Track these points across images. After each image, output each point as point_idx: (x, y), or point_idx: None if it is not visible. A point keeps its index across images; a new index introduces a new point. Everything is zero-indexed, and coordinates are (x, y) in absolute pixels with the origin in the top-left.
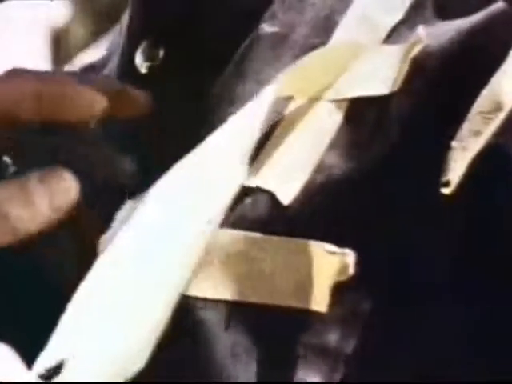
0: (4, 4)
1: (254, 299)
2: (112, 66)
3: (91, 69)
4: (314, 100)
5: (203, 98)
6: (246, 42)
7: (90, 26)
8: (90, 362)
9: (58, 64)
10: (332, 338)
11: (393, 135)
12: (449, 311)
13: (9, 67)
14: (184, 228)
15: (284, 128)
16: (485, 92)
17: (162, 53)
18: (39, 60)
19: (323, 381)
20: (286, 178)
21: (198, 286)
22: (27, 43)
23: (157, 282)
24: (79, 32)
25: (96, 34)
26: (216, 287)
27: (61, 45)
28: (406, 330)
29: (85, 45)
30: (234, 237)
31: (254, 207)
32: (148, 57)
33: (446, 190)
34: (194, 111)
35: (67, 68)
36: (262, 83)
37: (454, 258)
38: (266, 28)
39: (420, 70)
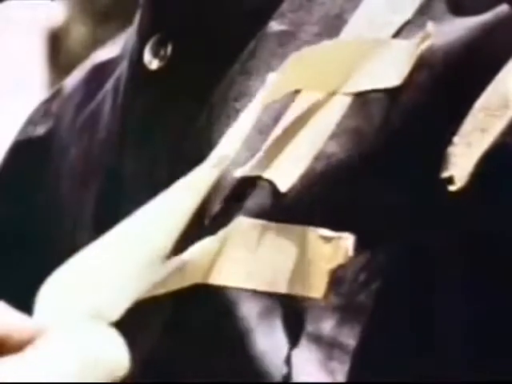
0: (4, 4)
1: (254, 286)
2: (125, 64)
3: (102, 68)
4: (331, 95)
5: (209, 94)
6: (254, 39)
7: (89, 25)
8: (72, 306)
9: (57, 64)
10: (327, 326)
11: (395, 127)
12: (448, 310)
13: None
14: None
15: (297, 122)
16: (489, 90)
17: (170, 49)
18: (38, 60)
19: (319, 368)
20: (285, 166)
21: (212, 275)
22: (27, 43)
23: (137, 247)
24: (79, 32)
25: (96, 34)
26: (223, 274)
27: (61, 44)
28: (405, 325)
29: (85, 44)
30: (238, 224)
31: (256, 197)
32: (156, 53)
33: (452, 187)
34: (199, 107)
35: (81, 66)
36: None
37: (456, 255)
38: (275, 26)
39: (426, 66)
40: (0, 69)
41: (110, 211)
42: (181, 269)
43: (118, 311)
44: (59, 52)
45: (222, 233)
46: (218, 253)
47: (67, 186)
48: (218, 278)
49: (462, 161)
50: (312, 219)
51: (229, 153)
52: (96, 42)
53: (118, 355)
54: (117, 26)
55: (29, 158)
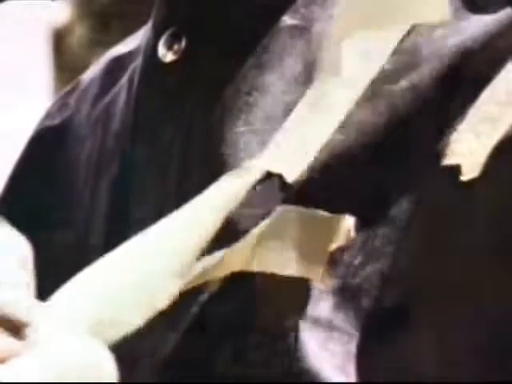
0: (4, 4)
1: (262, 269)
2: (140, 58)
3: (119, 61)
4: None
5: (222, 87)
6: (268, 34)
7: (92, 24)
8: (83, 308)
9: (60, 63)
10: (324, 308)
11: (399, 116)
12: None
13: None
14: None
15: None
16: (496, 82)
17: (184, 43)
18: (40, 60)
19: (320, 349)
20: (293, 157)
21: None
22: (28, 43)
23: (153, 261)
24: (81, 31)
25: (97, 34)
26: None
27: (63, 44)
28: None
29: (87, 44)
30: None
31: (265, 189)
32: (170, 46)
33: (463, 177)
34: (212, 101)
35: (100, 60)
36: (278, 74)
37: (461, 250)
38: (287, 21)
39: (439, 61)
40: (2, 68)
41: (122, 204)
42: (209, 268)
43: (122, 330)
44: (61, 52)
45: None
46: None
47: (82, 179)
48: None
49: (471, 151)
50: (313, 206)
51: (262, 164)
52: (98, 42)
53: (104, 370)
54: (118, 26)
55: (46, 147)
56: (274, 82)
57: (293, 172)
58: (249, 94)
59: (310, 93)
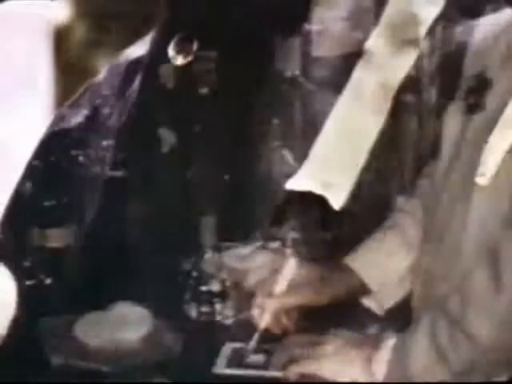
0: (4, 4)
1: None
2: (147, 62)
3: (138, 63)
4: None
5: (238, 92)
6: (283, 39)
7: (90, 25)
8: None
9: (61, 63)
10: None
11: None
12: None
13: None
14: None
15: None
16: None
17: (195, 45)
18: (40, 60)
19: None
20: (336, 181)
21: None
22: (28, 43)
23: None
24: (81, 31)
25: (97, 33)
26: None
27: (63, 44)
28: None
29: (86, 44)
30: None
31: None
32: (181, 50)
33: (481, 181)
34: (229, 104)
35: (116, 62)
36: (293, 83)
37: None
38: (306, 27)
39: (454, 59)
40: (0, 69)
41: (120, 204)
42: None
43: None
44: (61, 52)
45: None
46: None
47: (82, 178)
48: None
49: (488, 156)
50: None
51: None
52: (97, 43)
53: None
54: (117, 26)
55: (55, 150)
56: (291, 91)
57: (339, 197)
58: (273, 104)
59: (339, 104)
